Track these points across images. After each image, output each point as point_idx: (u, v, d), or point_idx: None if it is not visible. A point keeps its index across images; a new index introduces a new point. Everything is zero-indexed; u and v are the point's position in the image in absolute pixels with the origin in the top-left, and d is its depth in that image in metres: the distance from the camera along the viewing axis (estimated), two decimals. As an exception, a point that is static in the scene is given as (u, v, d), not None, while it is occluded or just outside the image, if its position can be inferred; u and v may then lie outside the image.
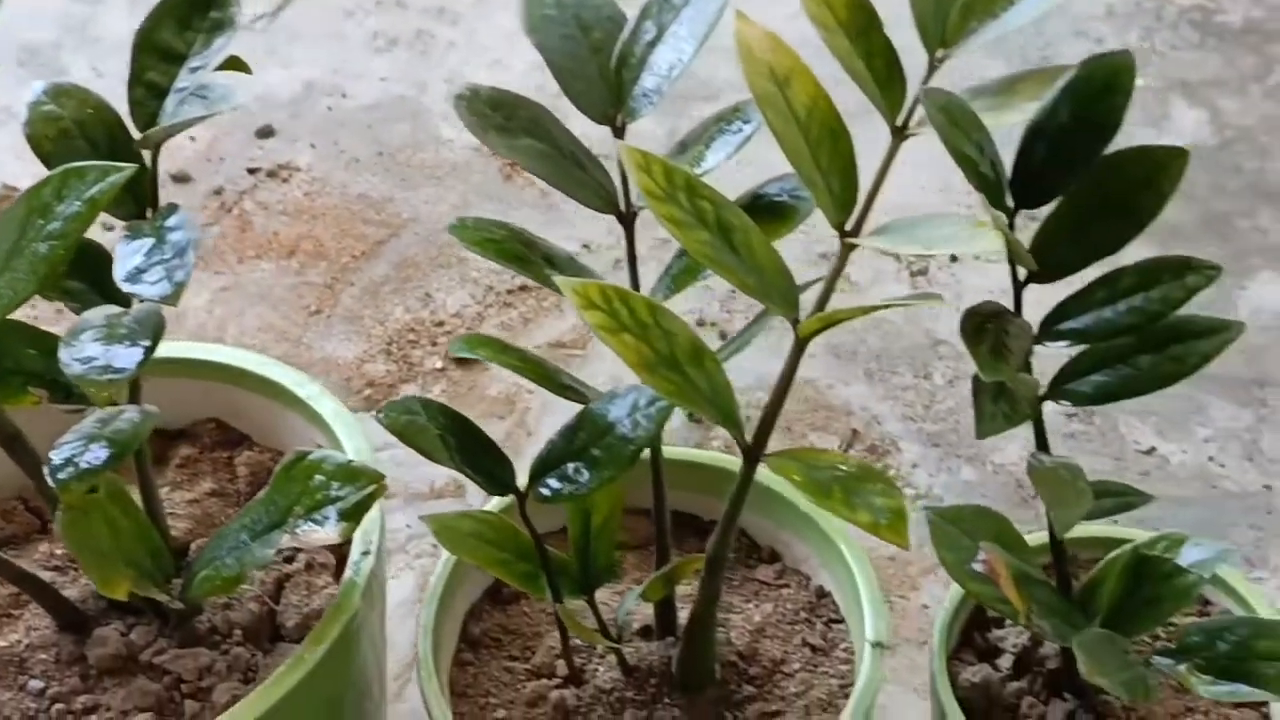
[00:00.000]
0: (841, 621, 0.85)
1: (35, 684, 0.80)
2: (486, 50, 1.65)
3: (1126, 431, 1.22)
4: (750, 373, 1.17)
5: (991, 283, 1.33)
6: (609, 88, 0.75)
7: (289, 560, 0.85)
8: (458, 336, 1.18)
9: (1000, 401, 0.63)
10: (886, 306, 0.77)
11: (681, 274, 0.76)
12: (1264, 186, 1.44)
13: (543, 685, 0.81)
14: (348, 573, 0.79)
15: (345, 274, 1.39)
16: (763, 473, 0.85)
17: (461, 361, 1.30)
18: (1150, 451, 1.20)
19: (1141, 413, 1.23)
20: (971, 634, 0.86)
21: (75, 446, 0.70)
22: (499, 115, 0.75)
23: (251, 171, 1.50)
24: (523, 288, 1.36)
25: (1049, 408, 0.73)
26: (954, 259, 1.37)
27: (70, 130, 0.74)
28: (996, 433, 0.64)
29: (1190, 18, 1.65)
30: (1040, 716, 0.81)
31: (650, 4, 0.75)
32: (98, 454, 0.69)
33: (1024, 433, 1.19)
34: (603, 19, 0.76)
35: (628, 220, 0.76)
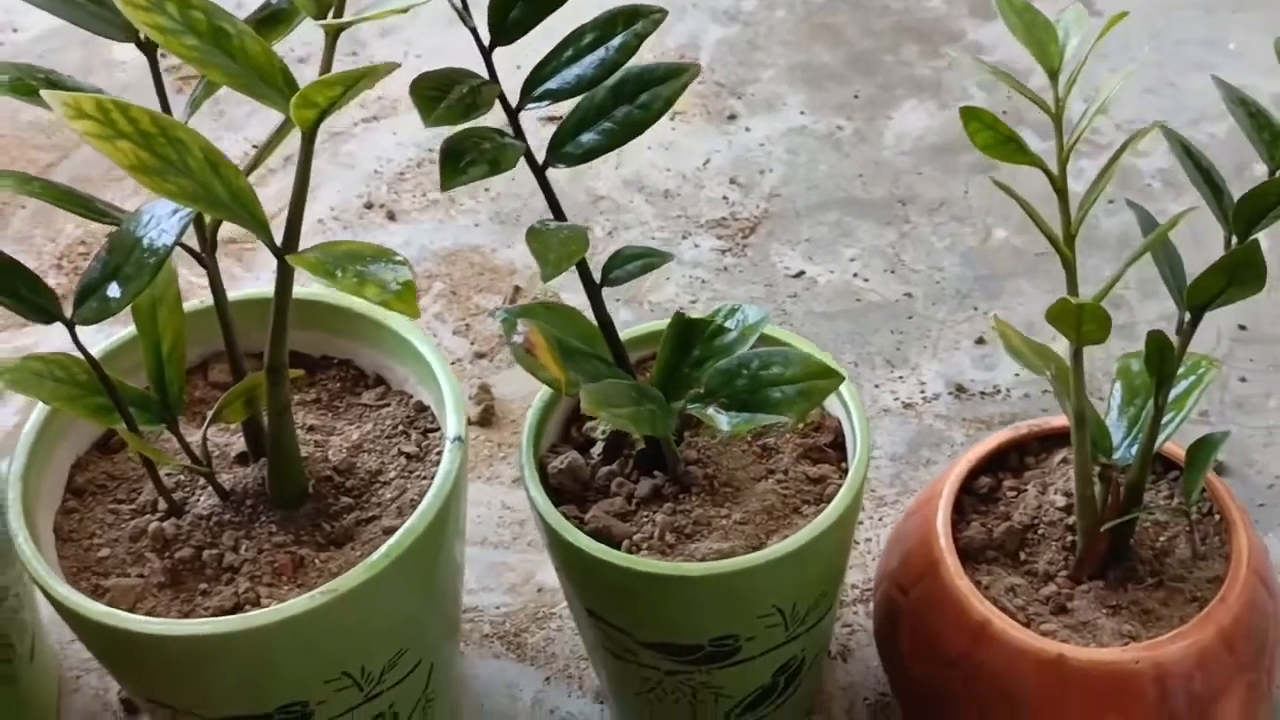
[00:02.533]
0: (438, 429, 0.86)
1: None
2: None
3: (777, 260, 1.24)
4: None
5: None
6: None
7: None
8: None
9: (474, 165, 0.64)
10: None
11: (200, 96, 0.76)
12: (908, 24, 1.47)
13: (144, 520, 0.81)
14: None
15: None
16: (367, 306, 0.86)
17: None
18: (799, 275, 1.23)
19: (792, 241, 1.25)
20: (569, 430, 0.88)
21: None
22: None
23: (-81, 109, 1.47)
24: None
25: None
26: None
27: None
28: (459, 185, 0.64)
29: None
30: (630, 493, 0.83)
31: None
32: None
33: (680, 274, 1.23)
34: None
35: (149, 49, 0.76)
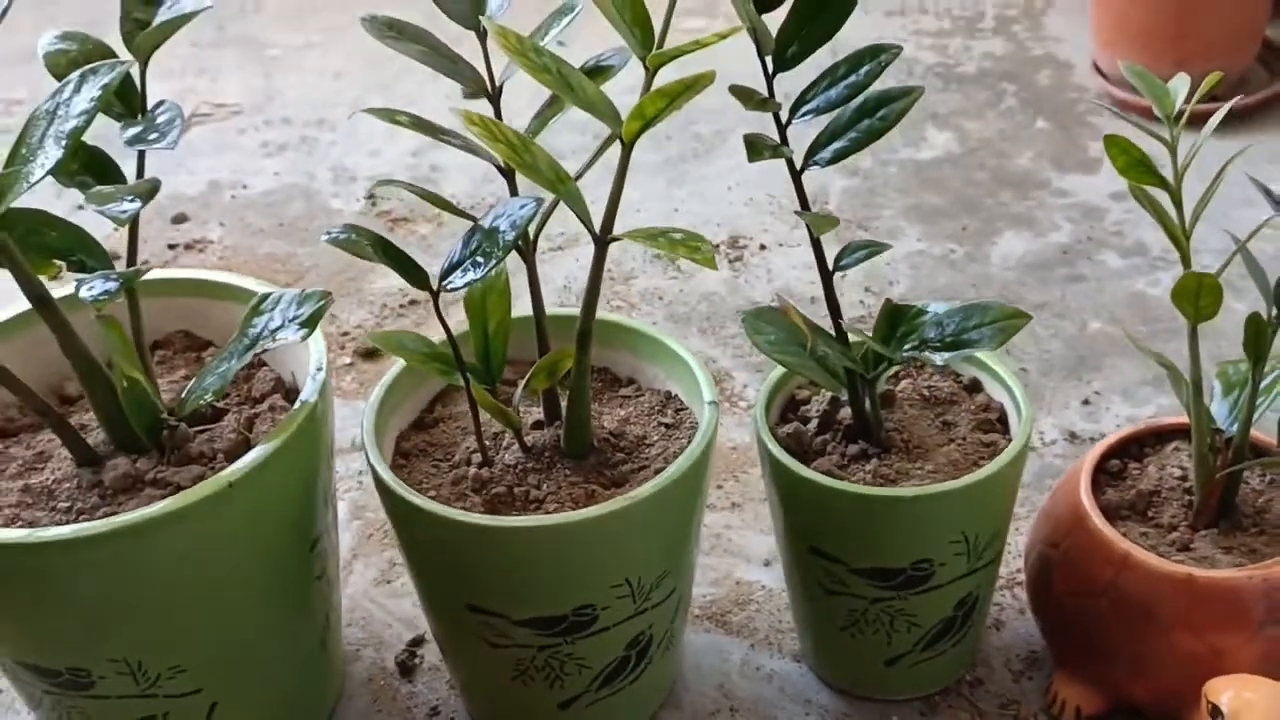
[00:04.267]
0: (686, 409, 1.07)
1: (63, 504, 0.99)
2: (364, 145, 1.90)
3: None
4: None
5: (794, 261, 1.59)
6: (470, 4, 1.00)
7: (258, 402, 1.05)
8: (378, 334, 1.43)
9: (764, 151, 0.88)
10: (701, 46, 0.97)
11: (542, 118, 1.00)
12: (1002, 176, 1.73)
13: (463, 469, 1.02)
14: (308, 383, 1.00)
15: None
16: (620, 319, 1.09)
17: (368, 355, 1.52)
18: (930, 357, 1.45)
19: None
20: (786, 413, 1.09)
21: (94, 279, 0.92)
22: (393, 31, 1.00)
23: (171, 247, 1.72)
24: (412, 302, 1.59)
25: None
26: (763, 247, 1.63)
27: (77, 59, 0.96)
28: (761, 159, 0.88)
29: (935, 70, 1.97)
30: (842, 453, 1.04)
31: (498, -53, 1.01)
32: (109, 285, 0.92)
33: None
34: (463, -38, 1.02)
35: (494, 97, 1.00)
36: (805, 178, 0.96)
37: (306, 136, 1.94)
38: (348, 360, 1.51)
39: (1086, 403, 1.38)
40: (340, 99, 2.03)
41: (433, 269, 0.93)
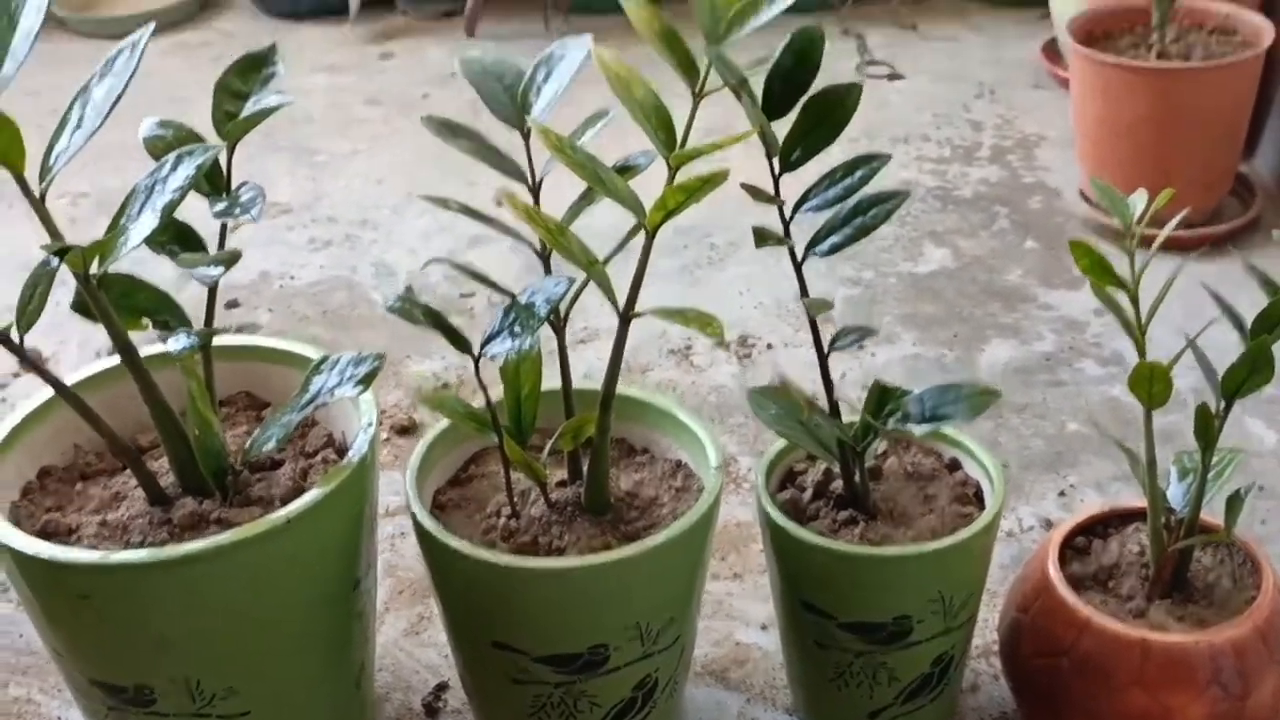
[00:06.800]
0: (694, 476, 1.18)
1: (135, 538, 1.09)
2: (403, 243, 2.03)
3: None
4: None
5: (798, 359, 1.70)
6: (517, 108, 1.12)
7: (311, 455, 1.16)
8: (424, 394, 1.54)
9: (770, 239, 0.99)
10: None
11: (576, 208, 1.11)
12: (992, 290, 1.85)
13: (492, 520, 1.13)
14: (359, 435, 1.11)
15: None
16: (636, 393, 1.19)
17: (403, 431, 1.62)
18: (919, 449, 1.55)
19: (912, 428, 1.58)
20: (785, 482, 1.20)
21: (178, 335, 1.03)
22: (447, 130, 1.12)
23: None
24: (444, 385, 1.70)
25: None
26: (769, 345, 1.75)
27: (172, 143, 1.09)
28: (766, 246, 0.99)
29: (935, 194, 2.09)
30: (833, 518, 1.14)
31: (542, 59, 1.13)
32: (191, 340, 1.03)
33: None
34: (511, 71, 1.14)
35: (535, 190, 1.12)
36: (812, 290, 1.06)
37: (350, 234, 2.07)
38: (385, 436, 1.61)
39: (1062, 494, 1.48)
40: (383, 201, 2.16)
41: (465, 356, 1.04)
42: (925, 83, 2.45)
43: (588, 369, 1.72)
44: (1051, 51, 2.47)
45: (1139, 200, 1.12)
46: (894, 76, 2.44)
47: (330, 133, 2.39)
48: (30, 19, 1.00)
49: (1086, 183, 2.03)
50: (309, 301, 1.90)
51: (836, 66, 2.44)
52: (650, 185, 1.03)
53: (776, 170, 1.03)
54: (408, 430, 1.62)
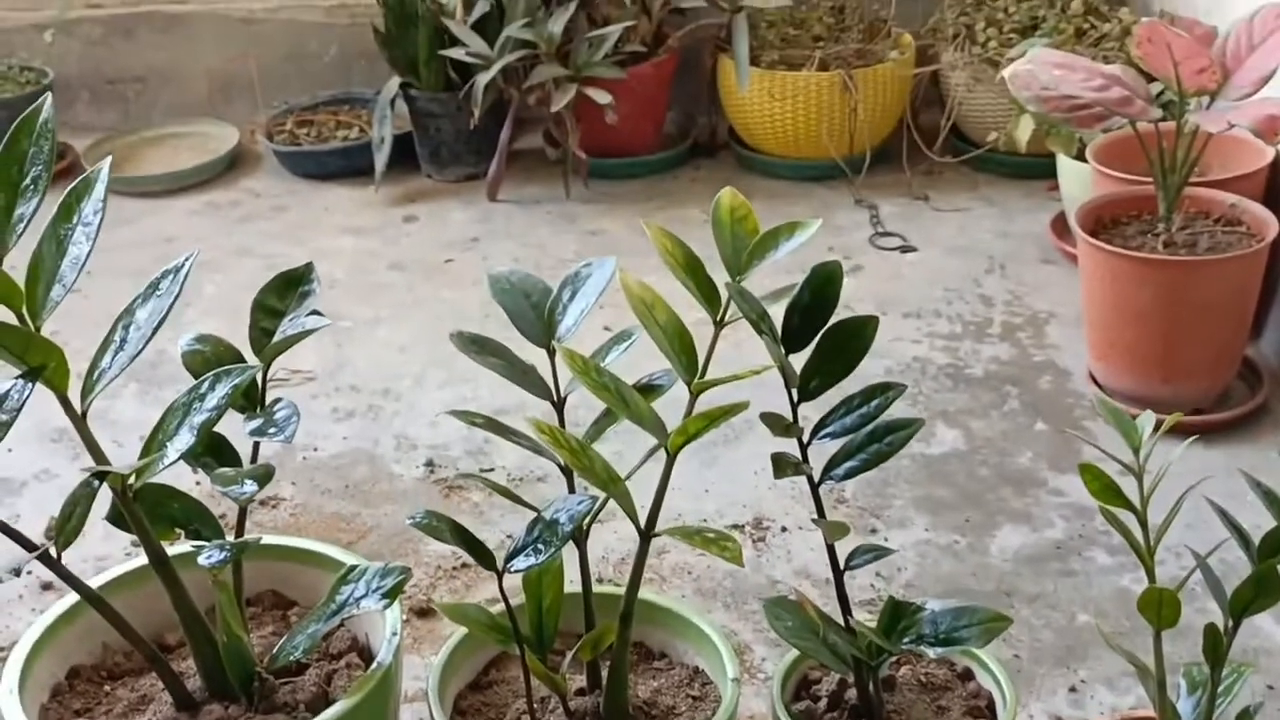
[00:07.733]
0: (711, 684, 1.19)
1: (162, 744, 1.11)
2: (425, 416, 2.06)
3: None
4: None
5: (813, 543, 1.72)
6: (544, 327, 1.16)
7: (336, 659, 1.18)
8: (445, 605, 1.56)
9: (789, 468, 1.02)
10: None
11: (599, 426, 1.14)
12: (1004, 474, 1.87)
13: (511, 728, 1.14)
14: (384, 645, 1.13)
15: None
16: (655, 598, 1.22)
17: (421, 613, 1.64)
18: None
19: (924, 617, 1.60)
20: (800, 691, 1.21)
21: (211, 549, 1.06)
22: (475, 346, 1.15)
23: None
24: (463, 565, 1.72)
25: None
26: (784, 529, 1.77)
27: (210, 359, 1.12)
28: (785, 476, 1.02)
29: (946, 371, 2.13)
30: (846, 730, 1.16)
31: (568, 277, 1.17)
32: (224, 554, 1.05)
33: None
34: (537, 289, 1.18)
35: (559, 405, 1.15)
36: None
37: (373, 405, 2.10)
38: (404, 617, 1.63)
39: (1073, 689, 1.49)
40: (405, 370, 2.20)
41: (482, 534, 1.06)
42: (937, 255, 2.49)
43: (605, 549, 1.74)
44: (1061, 226, 2.52)
45: (1146, 422, 1.14)
46: (906, 249, 2.49)
47: (354, 298, 2.44)
48: (80, 247, 1.04)
49: (1095, 365, 2.06)
50: (331, 474, 1.93)
51: (850, 237, 2.50)
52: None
53: (795, 400, 1.06)
54: (426, 613, 1.64)
